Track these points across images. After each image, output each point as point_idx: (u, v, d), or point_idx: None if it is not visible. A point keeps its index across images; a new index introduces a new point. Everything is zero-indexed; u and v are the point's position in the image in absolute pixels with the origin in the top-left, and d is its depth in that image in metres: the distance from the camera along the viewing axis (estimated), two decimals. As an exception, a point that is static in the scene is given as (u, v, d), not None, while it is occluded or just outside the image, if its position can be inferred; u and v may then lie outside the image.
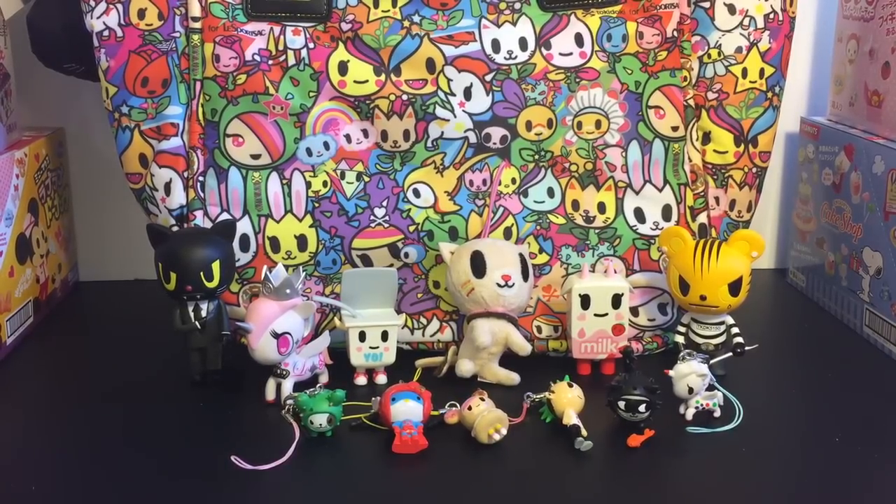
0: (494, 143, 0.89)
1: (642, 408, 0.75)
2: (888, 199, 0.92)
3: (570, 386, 0.79)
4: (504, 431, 0.75)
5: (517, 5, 0.88)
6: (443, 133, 0.89)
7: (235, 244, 0.87)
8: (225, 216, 0.89)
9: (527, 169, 0.90)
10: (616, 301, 0.86)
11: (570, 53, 0.89)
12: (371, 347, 0.86)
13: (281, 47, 0.88)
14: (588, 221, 0.91)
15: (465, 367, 0.85)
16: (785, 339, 1.00)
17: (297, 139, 0.89)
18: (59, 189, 1.09)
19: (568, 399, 0.78)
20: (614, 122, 0.90)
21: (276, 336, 0.80)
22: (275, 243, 0.90)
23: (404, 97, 0.88)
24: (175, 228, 0.88)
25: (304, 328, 0.83)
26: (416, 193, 0.90)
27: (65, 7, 0.93)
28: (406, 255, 0.90)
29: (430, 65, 0.88)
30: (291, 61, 0.88)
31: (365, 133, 0.89)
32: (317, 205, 0.89)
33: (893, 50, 0.95)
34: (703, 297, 0.84)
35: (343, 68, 0.88)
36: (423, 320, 0.92)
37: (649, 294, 0.91)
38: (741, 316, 0.87)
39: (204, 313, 0.84)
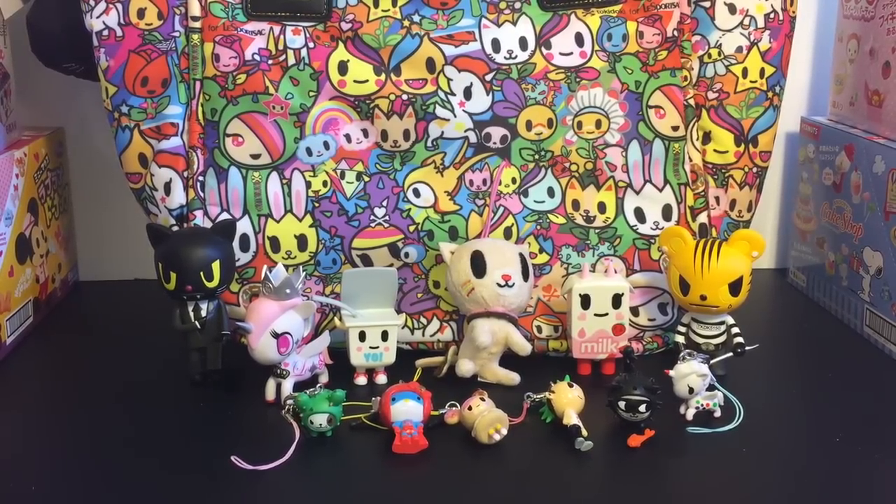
0: (494, 143, 0.89)
1: (643, 408, 0.75)
2: (888, 199, 0.92)
3: (571, 386, 0.79)
4: (504, 431, 0.75)
5: (517, 5, 0.88)
6: (443, 133, 0.89)
7: (235, 244, 0.87)
8: (225, 216, 0.89)
9: (527, 169, 0.90)
10: (616, 301, 0.86)
11: (571, 53, 0.89)
12: (371, 347, 0.86)
13: (281, 47, 0.88)
14: (588, 221, 0.91)
15: (466, 367, 0.85)
16: (785, 339, 1.00)
17: (297, 139, 0.89)
18: (59, 189, 1.09)
19: (568, 399, 0.78)
20: (614, 121, 0.90)
21: (276, 336, 0.80)
22: (275, 243, 0.90)
23: (404, 97, 0.88)
24: (175, 228, 0.88)
25: (304, 328, 0.83)
26: (416, 193, 0.90)
27: (64, 7, 0.93)
28: (406, 254, 0.90)
29: (430, 64, 0.88)
30: (291, 61, 0.88)
31: (365, 133, 0.89)
32: (317, 204, 0.89)
33: (894, 49, 0.95)
34: (703, 297, 0.84)
35: (343, 68, 0.88)
36: (424, 320, 0.92)
37: (650, 294, 0.91)
38: (741, 316, 0.87)
39: (204, 313, 0.84)
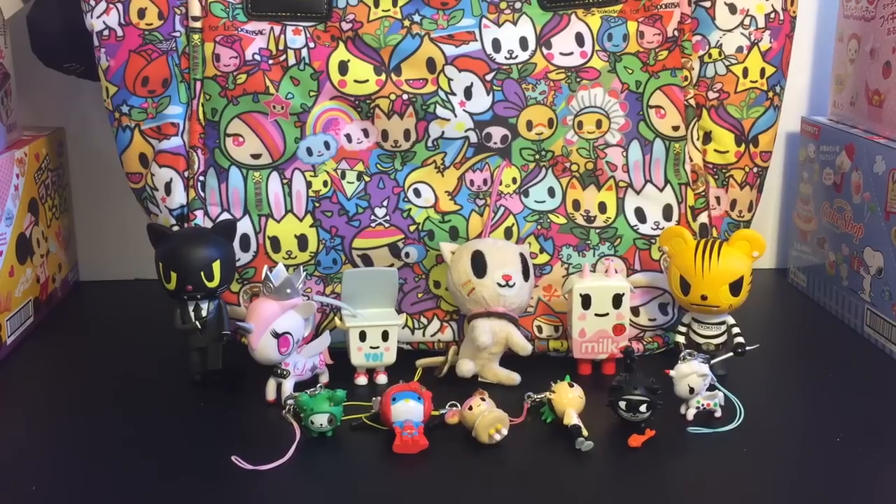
0: (495, 143, 0.89)
1: (643, 408, 0.75)
2: (889, 199, 0.92)
3: (571, 386, 0.79)
4: (505, 431, 0.75)
5: (518, 5, 0.88)
6: (443, 133, 0.89)
7: (236, 244, 0.87)
8: (225, 216, 0.89)
9: (527, 168, 0.90)
10: (617, 301, 0.86)
11: (571, 53, 0.89)
12: (371, 347, 0.86)
13: (281, 47, 0.88)
14: (589, 221, 0.91)
15: (466, 367, 0.85)
16: (786, 339, 1.00)
17: (297, 139, 0.89)
18: (59, 189, 1.09)
19: (569, 399, 0.78)
20: (615, 121, 0.90)
21: (277, 336, 0.80)
22: (275, 243, 0.90)
23: (405, 97, 0.88)
24: (175, 228, 0.88)
25: (305, 328, 0.83)
26: (417, 193, 0.90)
27: (64, 7, 0.93)
28: (406, 254, 0.90)
29: (430, 64, 0.88)
30: (292, 61, 0.88)
31: (365, 133, 0.89)
32: (317, 204, 0.89)
33: (894, 49, 0.95)
34: (703, 297, 0.84)
35: (343, 68, 0.88)
36: (424, 320, 0.92)
37: (650, 294, 0.91)
38: (742, 316, 0.87)
39: (204, 313, 0.84)
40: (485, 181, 0.90)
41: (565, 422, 0.76)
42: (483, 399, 0.77)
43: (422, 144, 0.89)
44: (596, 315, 0.86)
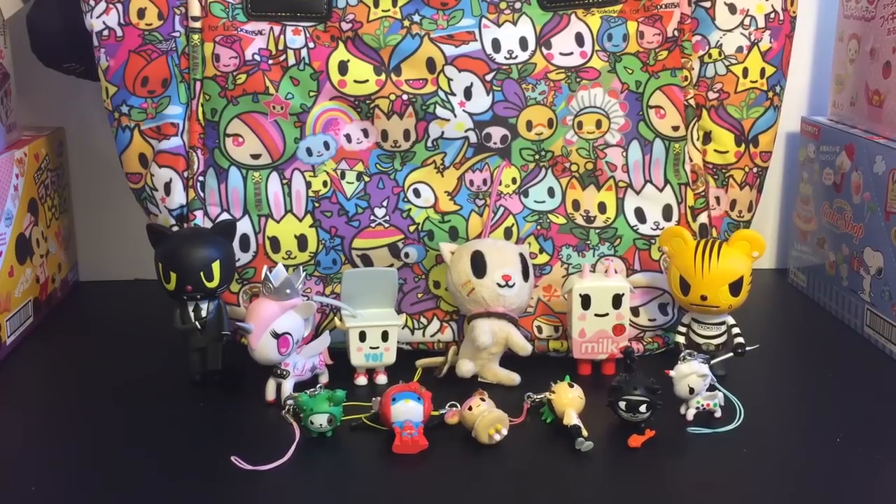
0: (495, 143, 0.89)
1: (643, 408, 0.75)
2: (889, 199, 0.92)
3: (571, 386, 0.79)
4: (504, 432, 0.75)
5: (517, 5, 0.88)
6: (443, 133, 0.89)
7: (235, 244, 0.87)
8: (225, 216, 0.89)
9: (527, 169, 0.90)
10: (617, 301, 0.86)
11: (571, 53, 0.89)
12: (371, 347, 0.86)
13: (281, 47, 0.88)
14: (588, 221, 0.91)
15: (466, 368, 0.85)
16: (785, 339, 1.00)
17: (297, 139, 0.89)
18: (59, 189, 1.09)
19: (568, 399, 0.78)
20: (615, 121, 0.90)
21: (277, 336, 0.80)
22: (275, 243, 0.90)
23: (404, 97, 0.88)
24: (175, 228, 0.88)
25: (305, 328, 0.82)
26: (417, 193, 0.90)
27: (64, 7, 0.93)
28: (406, 255, 0.90)
29: (430, 64, 0.88)
30: (291, 61, 0.88)
31: (365, 133, 0.89)
32: (317, 205, 0.89)
33: (894, 49, 0.95)
34: (703, 298, 0.84)
35: (343, 68, 0.88)
36: (424, 320, 0.92)
37: (650, 294, 0.91)
38: (742, 316, 0.87)
39: (204, 313, 0.84)
40: (484, 181, 0.90)
41: (565, 422, 0.76)
42: (483, 399, 0.77)
43: (421, 144, 0.89)
44: (596, 315, 0.86)
